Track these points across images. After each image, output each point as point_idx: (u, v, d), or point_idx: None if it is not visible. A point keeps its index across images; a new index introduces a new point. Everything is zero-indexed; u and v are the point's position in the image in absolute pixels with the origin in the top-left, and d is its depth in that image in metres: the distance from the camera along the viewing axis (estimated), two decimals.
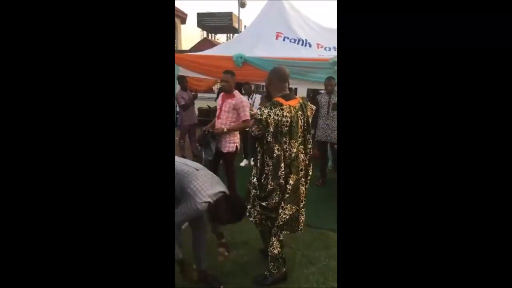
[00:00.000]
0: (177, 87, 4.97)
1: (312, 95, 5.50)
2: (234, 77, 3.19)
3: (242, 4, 17.67)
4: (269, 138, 1.95)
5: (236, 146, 3.22)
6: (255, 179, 2.07)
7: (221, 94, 3.26)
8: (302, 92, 5.25)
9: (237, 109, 3.11)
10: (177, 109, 5.19)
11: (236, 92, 3.18)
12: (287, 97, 1.99)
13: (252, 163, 2.09)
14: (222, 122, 3.14)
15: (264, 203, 2.06)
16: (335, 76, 4.15)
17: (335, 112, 4.00)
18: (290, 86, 5.73)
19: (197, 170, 1.88)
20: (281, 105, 1.93)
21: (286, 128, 1.93)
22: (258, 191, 2.06)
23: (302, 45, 5.55)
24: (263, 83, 4.86)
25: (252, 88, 5.25)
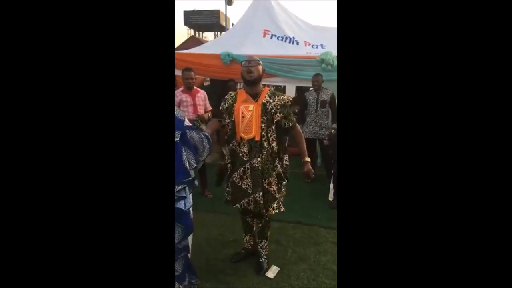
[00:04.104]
0: None
1: (300, 92, 5.51)
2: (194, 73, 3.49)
3: (229, 2, 17.58)
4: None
5: None
6: (281, 171, 2.14)
7: (182, 92, 3.39)
8: (290, 89, 5.26)
9: (205, 100, 3.51)
10: None
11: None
12: None
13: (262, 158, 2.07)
14: (201, 112, 3.47)
15: (284, 182, 2.19)
16: (323, 74, 4.18)
17: (324, 109, 4.02)
18: (279, 84, 5.76)
19: None
20: None
21: None
22: (284, 177, 2.17)
23: (289, 43, 5.55)
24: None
25: (238, 86, 5.23)
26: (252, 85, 2.03)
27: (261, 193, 2.04)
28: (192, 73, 3.38)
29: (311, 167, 2.13)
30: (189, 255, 1.88)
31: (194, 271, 1.91)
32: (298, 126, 2.18)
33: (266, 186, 2.06)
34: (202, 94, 3.49)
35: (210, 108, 3.62)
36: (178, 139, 1.65)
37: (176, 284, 1.78)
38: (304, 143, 2.19)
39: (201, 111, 3.44)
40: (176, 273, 1.77)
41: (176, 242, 1.68)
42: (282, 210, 2.16)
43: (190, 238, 1.86)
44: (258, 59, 2.07)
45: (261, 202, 2.05)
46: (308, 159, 2.14)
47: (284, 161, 2.16)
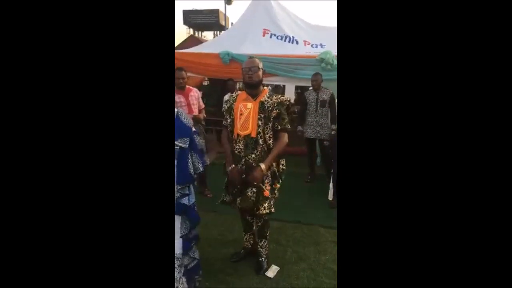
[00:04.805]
0: None
1: (300, 91, 5.50)
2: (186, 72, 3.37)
3: (228, 1, 17.55)
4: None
5: None
6: (276, 170, 2.12)
7: (176, 93, 3.25)
8: (289, 89, 5.25)
9: (198, 99, 3.42)
10: None
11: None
12: None
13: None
14: (196, 111, 3.38)
15: (278, 185, 2.17)
16: (322, 73, 4.17)
17: (323, 109, 4.02)
18: (278, 83, 5.72)
19: None
20: None
21: None
22: (279, 178, 2.16)
23: (289, 42, 5.55)
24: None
25: (237, 86, 5.21)
26: (253, 88, 2.07)
27: (253, 189, 2.05)
28: (183, 72, 3.26)
29: (259, 176, 1.94)
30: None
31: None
32: (286, 135, 2.07)
33: (259, 184, 2.05)
34: (195, 93, 3.39)
35: (203, 106, 3.56)
36: (187, 145, 1.74)
37: (179, 277, 1.84)
38: (277, 153, 2.04)
39: (195, 110, 3.35)
40: (195, 261, 1.91)
41: (187, 232, 1.82)
42: (272, 211, 2.13)
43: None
44: (258, 64, 2.05)
45: (252, 198, 2.05)
46: (263, 166, 1.95)
47: (280, 165, 2.16)
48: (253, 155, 2.04)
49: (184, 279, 1.84)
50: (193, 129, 1.86)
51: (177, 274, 1.81)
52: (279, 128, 2.06)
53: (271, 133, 2.06)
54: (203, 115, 3.47)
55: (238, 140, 2.07)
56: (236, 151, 2.08)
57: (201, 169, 1.82)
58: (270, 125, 2.04)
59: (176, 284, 1.79)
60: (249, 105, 2.04)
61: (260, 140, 2.03)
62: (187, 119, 1.80)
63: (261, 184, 2.02)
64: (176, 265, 1.79)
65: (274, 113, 2.03)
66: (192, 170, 1.78)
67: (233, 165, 2.08)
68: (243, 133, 2.04)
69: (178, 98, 3.25)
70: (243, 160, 2.06)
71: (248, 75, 2.03)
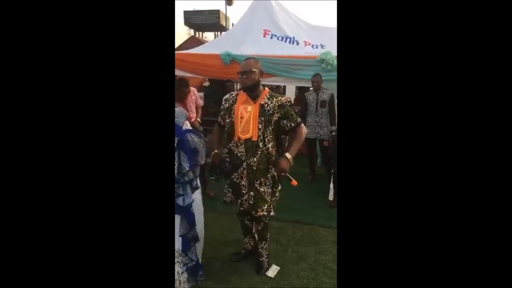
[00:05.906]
0: None
1: (301, 91, 5.50)
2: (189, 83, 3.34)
3: (229, 2, 17.55)
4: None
5: None
6: (276, 174, 2.12)
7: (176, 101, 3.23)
8: (290, 89, 5.25)
9: (197, 100, 3.47)
10: None
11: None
12: None
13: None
14: (194, 116, 3.41)
15: (279, 187, 2.18)
16: (323, 73, 4.18)
17: (324, 109, 4.02)
18: (278, 84, 5.71)
19: None
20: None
21: None
22: (278, 181, 2.16)
23: (289, 42, 5.54)
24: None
25: (236, 87, 5.21)
26: (250, 90, 2.06)
27: (251, 193, 2.07)
28: (188, 88, 3.25)
29: (286, 166, 1.95)
30: (199, 246, 2.01)
31: (200, 265, 2.02)
32: (303, 127, 2.07)
33: (257, 187, 2.06)
34: (192, 96, 3.35)
35: (201, 104, 3.58)
36: (175, 145, 1.74)
37: (184, 275, 1.87)
38: (299, 145, 2.05)
39: (192, 115, 3.33)
40: (193, 262, 1.90)
41: (185, 233, 1.82)
42: (272, 214, 2.15)
43: (201, 230, 2.01)
44: (252, 67, 2.02)
45: (251, 201, 2.08)
46: (289, 156, 1.96)
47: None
48: (254, 159, 2.04)
49: (186, 274, 1.86)
50: (187, 127, 1.85)
51: (179, 269, 1.82)
52: (293, 125, 2.04)
53: (271, 136, 2.05)
54: (198, 120, 3.38)
55: (239, 143, 2.07)
56: (237, 154, 2.09)
57: (187, 168, 1.79)
58: (270, 128, 2.03)
59: (177, 277, 1.81)
60: (249, 108, 2.03)
61: (260, 144, 2.03)
62: (178, 118, 1.80)
63: (288, 175, 1.99)
64: (177, 260, 1.81)
65: (276, 117, 2.02)
66: (176, 170, 1.75)
67: (216, 151, 2.15)
68: (244, 136, 2.04)
69: (176, 107, 3.23)
70: (245, 164, 2.06)
71: (241, 80, 2.03)
